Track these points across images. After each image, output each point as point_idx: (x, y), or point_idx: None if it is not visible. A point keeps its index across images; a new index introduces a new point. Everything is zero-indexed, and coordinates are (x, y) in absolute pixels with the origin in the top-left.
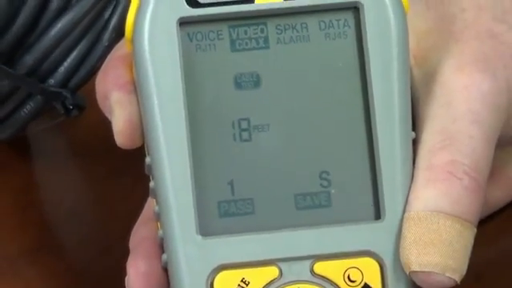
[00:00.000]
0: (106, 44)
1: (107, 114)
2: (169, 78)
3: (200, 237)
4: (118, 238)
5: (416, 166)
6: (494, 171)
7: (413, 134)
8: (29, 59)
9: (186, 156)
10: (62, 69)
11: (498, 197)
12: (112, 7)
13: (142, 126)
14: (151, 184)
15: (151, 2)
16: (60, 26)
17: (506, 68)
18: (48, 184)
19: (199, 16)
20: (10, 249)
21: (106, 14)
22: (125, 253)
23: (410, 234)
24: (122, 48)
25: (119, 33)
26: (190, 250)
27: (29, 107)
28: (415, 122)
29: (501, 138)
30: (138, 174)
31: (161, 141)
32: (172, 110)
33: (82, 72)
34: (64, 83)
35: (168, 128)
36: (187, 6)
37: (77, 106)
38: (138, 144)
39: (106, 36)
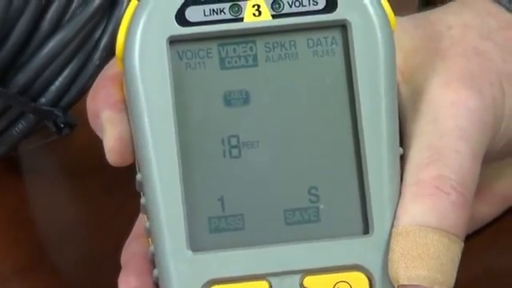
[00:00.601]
0: (97, 63)
1: (98, 133)
2: (159, 96)
3: (190, 252)
4: (110, 255)
5: (404, 181)
6: (481, 187)
7: (400, 149)
8: (21, 78)
9: (177, 173)
10: (53, 88)
11: (485, 212)
12: (102, 27)
13: (132, 143)
14: (142, 200)
15: (141, 21)
16: (51, 45)
17: (491, 85)
18: (40, 202)
19: (189, 35)
20: (3, 267)
21: (97, 34)
22: (117, 269)
23: (398, 248)
24: (112, 67)
25: (110, 52)
26: (181, 266)
27: (20, 126)
28: (403, 138)
29: (487, 154)
30: (129, 191)
31: (151, 158)
32: (162, 127)
33: (74, 91)
34: (55, 102)
35: (158, 145)
36: (177, 25)
37: (68, 125)
38: (128, 161)
39: (97, 55)
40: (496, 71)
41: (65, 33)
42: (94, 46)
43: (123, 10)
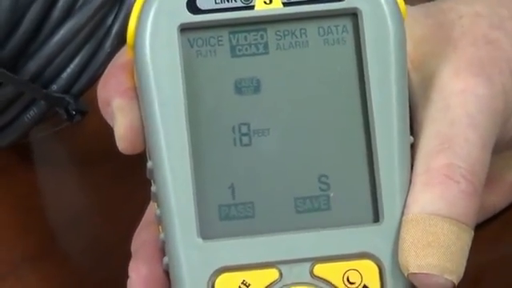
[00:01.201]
0: (109, 50)
1: (109, 121)
2: (170, 84)
3: (201, 240)
4: (120, 243)
5: (414, 169)
6: (492, 176)
7: (411, 138)
8: (32, 65)
9: (187, 160)
10: (64, 75)
11: (496, 202)
12: (114, 14)
13: (143, 131)
14: (153, 188)
15: (152, 8)
16: (63, 32)
17: (501, 73)
18: (50, 190)
19: (200, 22)
20: (13, 254)
21: (108, 21)
22: (127, 257)
23: (408, 236)
24: (123, 55)
25: (121, 39)
26: (191, 253)
27: (32, 113)
28: (413, 127)
29: (498, 142)
30: (139, 179)
31: (162, 145)
32: (173, 115)
33: (85, 78)
34: (67, 89)
35: (169, 133)
36: (188, 13)
37: (79, 112)
38: (139, 149)
39: (108, 42)
40: (506, 59)
41: (76, 20)
42: (106, 33)
43: None
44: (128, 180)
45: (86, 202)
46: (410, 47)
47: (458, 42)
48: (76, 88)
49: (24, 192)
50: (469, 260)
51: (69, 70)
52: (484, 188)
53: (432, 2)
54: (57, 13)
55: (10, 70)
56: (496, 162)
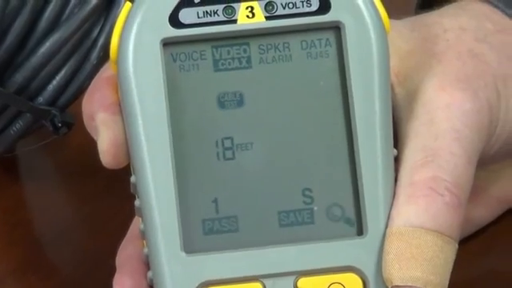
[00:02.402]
0: (94, 62)
1: (93, 135)
2: (153, 99)
3: (184, 254)
4: (106, 257)
5: (398, 182)
6: (477, 190)
7: (394, 151)
8: (18, 77)
9: (171, 175)
10: (50, 87)
11: (481, 215)
12: (100, 26)
13: (127, 145)
14: (136, 202)
15: (135, 23)
16: (48, 44)
17: (486, 87)
18: (36, 203)
19: (182, 36)
20: None
21: (94, 33)
22: (112, 271)
23: (392, 249)
24: (108, 69)
25: (107, 51)
26: (175, 267)
27: (18, 125)
28: (397, 140)
29: (483, 156)
30: (125, 193)
31: (145, 160)
32: (156, 129)
33: (71, 90)
34: (53, 101)
35: (152, 147)
36: (171, 27)
37: (65, 124)
38: (123, 163)
39: (94, 54)
40: (491, 73)
41: (62, 32)
42: (92, 45)
43: (121, 9)
44: (114, 193)
45: (72, 215)
46: (394, 61)
47: (442, 55)
48: (62, 100)
49: (10, 205)
50: (457, 273)
51: (55, 82)
52: (470, 202)
53: (417, 16)
54: (43, 24)
55: None
56: (481, 176)
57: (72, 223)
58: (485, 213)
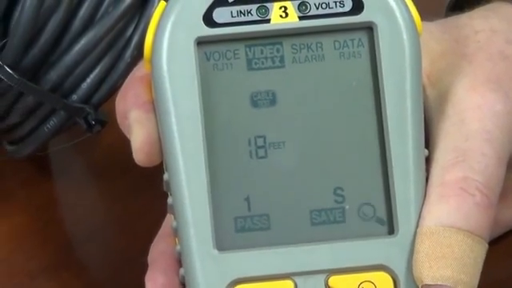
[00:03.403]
0: (128, 61)
1: (126, 133)
2: (186, 97)
3: (216, 251)
4: (137, 255)
5: (429, 182)
6: (507, 191)
7: (426, 151)
8: (52, 75)
9: (204, 172)
10: (84, 85)
11: (510, 217)
12: (134, 25)
13: (159, 144)
14: (169, 200)
15: (169, 22)
16: (83, 42)
17: None
18: (68, 202)
19: (216, 36)
20: (31, 265)
21: (128, 32)
22: (144, 269)
23: (422, 248)
24: (141, 68)
25: (141, 50)
26: (207, 264)
27: (52, 123)
28: (429, 140)
29: None
30: (156, 192)
31: (178, 158)
32: (189, 127)
33: (105, 88)
34: (87, 99)
35: (185, 145)
36: (205, 26)
37: (99, 122)
38: (156, 162)
39: (128, 53)
40: None
41: (96, 30)
42: (126, 43)
43: (155, 7)
44: (146, 192)
45: (103, 213)
46: (426, 63)
47: (473, 57)
48: (96, 98)
49: (43, 203)
50: (483, 274)
51: (89, 80)
52: (499, 203)
53: (448, 18)
54: (78, 23)
55: (31, 79)
56: (510, 177)
57: (103, 221)
58: None
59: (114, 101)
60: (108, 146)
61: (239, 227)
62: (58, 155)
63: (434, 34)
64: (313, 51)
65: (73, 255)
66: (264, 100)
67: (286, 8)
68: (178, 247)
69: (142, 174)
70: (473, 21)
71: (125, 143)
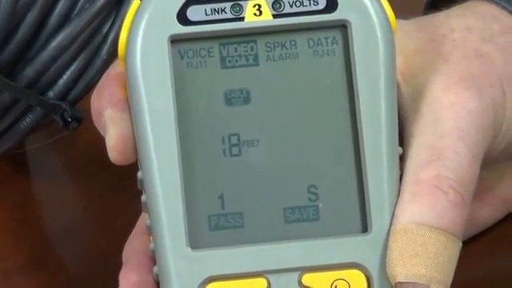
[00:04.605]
0: (105, 57)
1: (101, 131)
2: (160, 95)
3: (190, 249)
4: (113, 254)
5: (403, 180)
6: (483, 190)
7: (400, 149)
8: (29, 72)
9: (177, 170)
10: (61, 81)
11: (487, 216)
12: (110, 22)
13: (134, 142)
14: (143, 198)
15: (143, 20)
16: (59, 39)
17: (492, 87)
18: (45, 200)
19: (190, 34)
20: (7, 263)
21: (105, 28)
22: (120, 268)
23: (396, 246)
24: (116, 66)
25: (117, 47)
26: (180, 262)
27: (28, 119)
28: (403, 139)
29: (488, 155)
30: (134, 190)
31: (152, 156)
32: (163, 125)
33: (81, 85)
34: (63, 96)
35: (159, 143)
36: (178, 24)
37: (75, 119)
38: (130, 160)
39: (105, 50)
40: (497, 73)
41: (73, 27)
42: (102, 40)
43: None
44: (123, 190)
45: (80, 212)
46: (401, 60)
47: (449, 55)
48: (72, 95)
49: (19, 202)
50: (461, 273)
51: (65, 76)
52: (475, 202)
53: (424, 17)
54: (54, 19)
55: (7, 76)
56: (486, 176)
57: (80, 220)
58: (490, 213)
59: (91, 98)
60: (85, 144)
61: (213, 225)
62: (35, 153)
63: (409, 32)
64: (287, 49)
65: (49, 254)
66: (238, 98)
67: (260, 6)
68: (152, 245)
69: (120, 173)
70: (449, 19)
71: (102, 141)
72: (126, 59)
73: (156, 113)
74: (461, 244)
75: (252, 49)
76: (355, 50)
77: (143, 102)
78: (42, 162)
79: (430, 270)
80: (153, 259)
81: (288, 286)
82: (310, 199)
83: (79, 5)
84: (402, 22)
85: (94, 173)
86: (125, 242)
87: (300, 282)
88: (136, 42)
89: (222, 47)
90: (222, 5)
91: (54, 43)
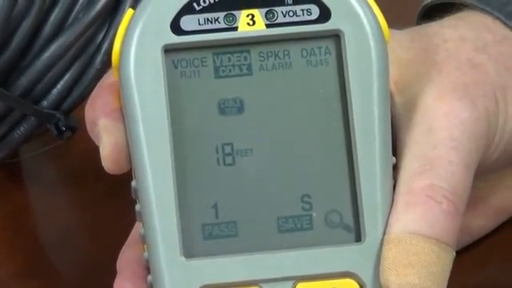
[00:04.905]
0: (99, 67)
1: (96, 141)
2: (154, 105)
3: (184, 258)
4: (109, 262)
5: (396, 190)
6: (476, 200)
7: (393, 159)
8: (23, 81)
9: (171, 180)
10: (55, 91)
11: (480, 225)
12: (104, 31)
13: (128, 151)
14: (137, 207)
15: (137, 29)
16: (53, 48)
17: (485, 96)
18: (39, 209)
19: (184, 43)
20: (0, 272)
21: (99, 38)
22: (114, 277)
23: (389, 255)
24: (110, 75)
25: (111, 57)
26: (174, 271)
27: (22, 129)
28: (396, 148)
29: (481, 165)
30: (127, 199)
31: (146, 165)
32: (157, 135)
33: (75, 94)
34: (57, 105)
35: (153, 152)
36: (172, 34)
37: (69, 128)
38: (124, 169)
39: (99, 59)
40: (490, 83)
41: (67, 37)
42: (96, 49)
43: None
44: (117, 199)
45: (75, 220)
46: (394, 70)
47: (442, 65)
48: (66, 104)
49: (12, 210)
50: (454, 283)
51: (59, 86)
52: (468, 211)
53: (417, 27)
54: (48, 29)
55: (1, 85)
56: (479, 185)
57: (74, 229)
58: (483, 223)
59: (85, 107)
60: (78, 154)
61: (207, 234)
62: (29, 162)
63: (403, 41)
64: (280, 59)
65: (43, 262)
66: (231, 107)
67: (253, 16)
68: (146, 254)
69: (114, 182)
70: (443, 29)
71: (96, 150)
72: (119, 69)
73: (150, 122)
74: (454, 253)
75: (245, 58)
76: (348, 59)
77: (137, 112)
78: (37, 171)
79: (424, 279)
80: (147, 268)
81: None
82: (303, 208)
83: (73, 14)
84: (396, 31)
85: (88, 182)
86: (119, 251)
87: None
88: (130, 51)
89: (215, 57)
90: (216, 15)
91: (48, 53)
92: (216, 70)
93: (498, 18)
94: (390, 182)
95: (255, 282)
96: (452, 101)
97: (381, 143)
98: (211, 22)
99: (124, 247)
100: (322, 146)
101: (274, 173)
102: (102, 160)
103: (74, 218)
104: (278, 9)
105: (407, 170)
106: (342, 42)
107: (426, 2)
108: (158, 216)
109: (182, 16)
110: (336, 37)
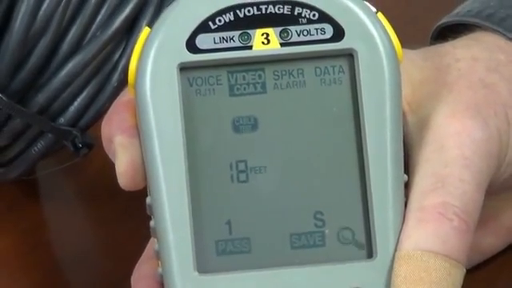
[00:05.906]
0: (115, 85)
1: (111, 157)
2: (169, 122)
3: (197, 274)
4: (125, 279)
5: (408, 207)
6: (488, 219)
7: (405, 176)
8: (40, 98)
9: (185, 196)
10: (72, 108)
11: (491, 244)
12: (121, 50)
13: (143, 168)
14: (152, 223)
15: (153, 48)
16: (71, 66)
17: (497, 116)
18: (55, 226)
19: (199, 62)
20: None
21: (116, 56)
22: None
23: (400, 272)
24: (127, 93)
25: (127, 74)
26: (188, 287)
27: (39, 145)
28: (408, 166)
29: (492, 184)
30: (143, 216)
31: (161, 182)
32: (172, 152)
33: (92, 111)
34: (74, 122)
35: (168, 169)
36: (188, 52)
37: (86, 145)
38: (140, 186)
39: (115, 77)
40: (502, 103)
41: (84, 54)
42: (113, 67)
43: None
44: (134, 216)
45: (91, 237)
46: (407, 90)
47: (454, 85)
48: (83, 121)
49: (30, 227)
50: None
51: (76, 103)
52: (480, 230)
53: (431, 46)
54: (65, 47)
55: (18, 102)
56: (491, 204)
57: (90, 246)
58: (494, 242)
59: (101, 124)
60: (95, 171)
61: (220, 250)
62: (46, 179)
63: (416, 61)
64: (294, 77)
65: (59, 279)
66: (246, 125)
67: (267, 35)
68: (160, 270)
69: (130, 198)
70: (455, 49)
71: (112, 167)
72: (135, 86)
73: (165, 139)
74: (464, 270)
75: (260, 77)
76: (361, 78)
77: (152, 129)
78: (53, 188)
79: None
80: (161, 284)
81: None
82: (316, 225)
83: (90, 33)
84: (409, 51)
85: (104, 199)
86: (134, 267)
87: None
88: (146, 69)
89: (230, 75)
90: (231, 33)
91: (66, 70)
92: (231, 88)
93: (510, 39)
94: (402, 199)
95: None
96: (464, 120)
97: (393, 161)
98: (226, 41)
99: (138, 263)
100: (334, 164)
101: (287, 190)
102: (117, 177)
103: (89, 234)
104: (293, 28)
105: (419, 187)
106: (356, 61)
107: (439, 23)
108: (172, 232)
109: (197, 34)
110: (349, 56)
